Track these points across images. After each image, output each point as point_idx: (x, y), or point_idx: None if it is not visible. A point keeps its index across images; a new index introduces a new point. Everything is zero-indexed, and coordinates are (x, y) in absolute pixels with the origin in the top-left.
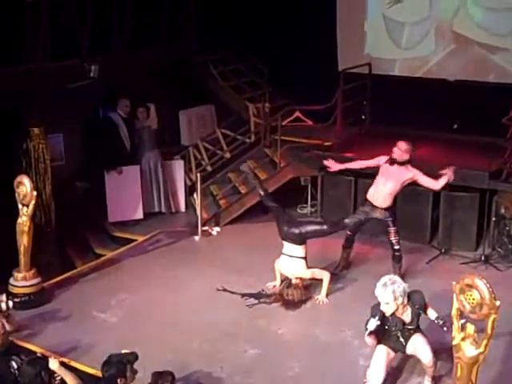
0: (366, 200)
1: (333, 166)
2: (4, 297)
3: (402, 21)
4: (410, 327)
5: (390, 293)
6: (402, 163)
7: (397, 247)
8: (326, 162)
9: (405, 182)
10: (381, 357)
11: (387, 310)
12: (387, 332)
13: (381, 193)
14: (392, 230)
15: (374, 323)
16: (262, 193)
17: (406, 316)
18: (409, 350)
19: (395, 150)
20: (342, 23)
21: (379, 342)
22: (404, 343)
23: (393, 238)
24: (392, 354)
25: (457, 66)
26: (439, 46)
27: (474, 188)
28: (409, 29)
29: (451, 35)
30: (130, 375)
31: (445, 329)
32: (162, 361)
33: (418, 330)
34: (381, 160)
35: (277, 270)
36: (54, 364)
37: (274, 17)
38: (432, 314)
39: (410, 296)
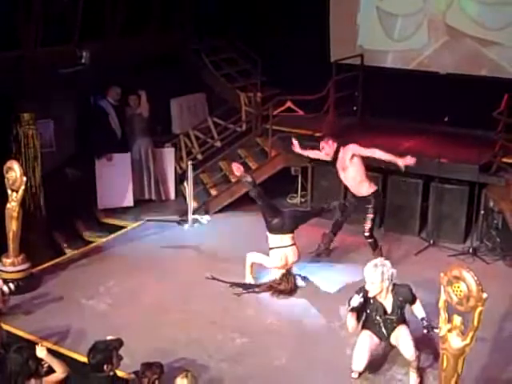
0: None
1: (296, 147)
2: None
3: (394, 13)
4: (391, 317)
5: (378, 273)
6: (336, 152)
7: (366, 234)
8: (293, 141)
9: (352, 161)
10: (364, 342)
11: (371, 290)
12: (369, 317)
13: (349, 183)
14: (368, 216)
15: (357, 299)
16: (251, 186)
17: (388, 304)
18: (392, 341)
19: (325, 147)
20: (335, 14)
21: (363, 328)
22: (386, 334)
23: (365, 225)
24: (376, 339)
25: (449, 59)
26: (432, 39)
27: (464, 181)
28: (401, 21)
29: (444, 28)
30: (115, 361)
31: (424, 331)
32: (149, 348)
33: (402, 322)
34: (327, 157)
35: (248, 267)
36: (41, 352)
37: (268, 6)
38: (419, 311)
39: (396, 287)
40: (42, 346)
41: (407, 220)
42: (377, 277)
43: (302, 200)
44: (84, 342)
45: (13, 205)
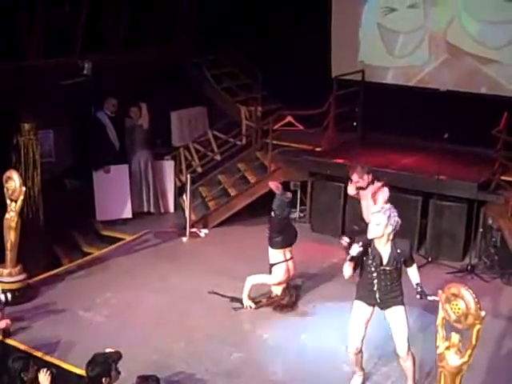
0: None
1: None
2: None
3: (396, 29)
4: (386, 268)
5: (385, 216)
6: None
7: None
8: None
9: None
10: (356, 318)
11: (373, 232)
12: (365, 267)
13: (365, 212)
14: None
15: (356, 249)
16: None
17: (385, 254)
18: (388, 317)
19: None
20: (336, 29)
21: (357, 298)
22: (379, 298)
23: None
24: (368, 311)
25: (449, 77)
26: (432, 56)
27: (463, 198)
28: (403, 37)
29: (445, 45)
30: (114, 374)
31: (418, 296)
32: (146, 361)
33: (395, 279)
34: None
35: (247, 290)
36: (44, 380)
37: (270, 21)
38: (414, 276)
39: (396, 239)
40: (44, 374)
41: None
42: (383, 218)
43: (301, 215)
44: (80, 353)
45: (11, 215)
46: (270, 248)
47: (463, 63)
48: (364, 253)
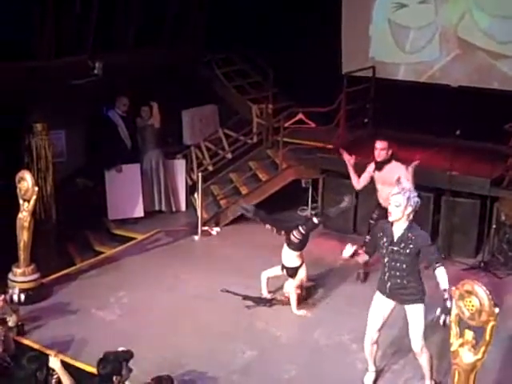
0: (379, 205)
1: (344, 154)
2: (17, 290)
3: (406, 25)
4: (394, 248)
5: (405, 197)
6: (387, 161)
7: None
8: (345, 156)
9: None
10: (374, 306)
11: (394, 214)
12: (381, 245)
13: (383, 198)
14: None
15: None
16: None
17: (398, 232)
18: (407, 313)
19: (375, 152)
20: (347, 26)
21: (377, 288)
22: (388, 289)
23: None
24: (385, 305)
25: (461, 72)
26: (443, 52)
27: (476, 194)
28: (413, 33)
29: (456, 41)
30: (125, 373)
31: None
32: (159, 360)
33: (407, 263)
34: (369, 169)
35: (265, 280)
36: (54, 362)
37: (280, 18)
38: (443, 279)
39: (415, 226)
40: (55, 356)
41: None
42: (403, 200)
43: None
44: (93, 352)
45: (24, 215)
46: (293, 251)
47: (475, 58)
48: (379, 235)
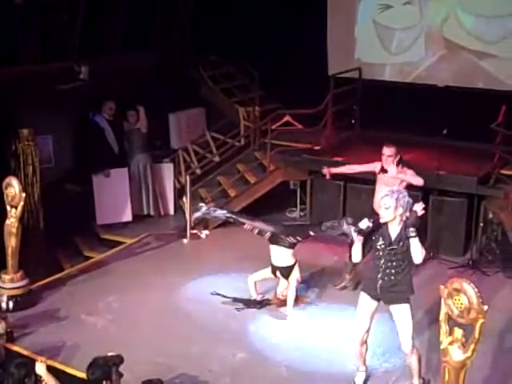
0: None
1: (328, 172)
2: (5, 297)
3: (392, 26)
4: (393, 247)
5: (394, 199)
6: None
7: None
8: (324, 171)
9: (401, 183)
10: (361, 307)
11: (385, 216)
12: (374, 246)
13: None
14: None
15: (365, 222)
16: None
17: (395, 232)
18: (392, 312)
19: (383, 157)
20: (332, 27)
21: (361, 289)
22: (379, 289)
23: None
24: (373, 306)
25: (446, 72)
26: (429, 52)
27: (463, 193)
28: (399, 34)
29: (441, 41)
30: (115, 378)
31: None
32: (149, 364)
33: (405, 260)
34: (376, 167)
35: (252, 284)
36: (41, 368)
37: (265, 20)
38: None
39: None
40: (42, 362)
41: None
42: (392, 202)
43: (301, 214)
44: (83, 357)
45: (12, 221)
46: (288, 250)
47: (460, 58)
48: (375, 237)
